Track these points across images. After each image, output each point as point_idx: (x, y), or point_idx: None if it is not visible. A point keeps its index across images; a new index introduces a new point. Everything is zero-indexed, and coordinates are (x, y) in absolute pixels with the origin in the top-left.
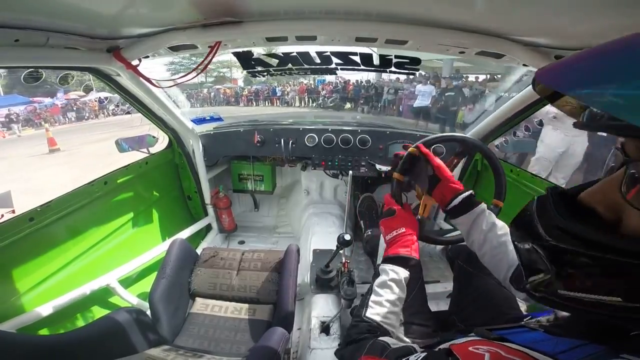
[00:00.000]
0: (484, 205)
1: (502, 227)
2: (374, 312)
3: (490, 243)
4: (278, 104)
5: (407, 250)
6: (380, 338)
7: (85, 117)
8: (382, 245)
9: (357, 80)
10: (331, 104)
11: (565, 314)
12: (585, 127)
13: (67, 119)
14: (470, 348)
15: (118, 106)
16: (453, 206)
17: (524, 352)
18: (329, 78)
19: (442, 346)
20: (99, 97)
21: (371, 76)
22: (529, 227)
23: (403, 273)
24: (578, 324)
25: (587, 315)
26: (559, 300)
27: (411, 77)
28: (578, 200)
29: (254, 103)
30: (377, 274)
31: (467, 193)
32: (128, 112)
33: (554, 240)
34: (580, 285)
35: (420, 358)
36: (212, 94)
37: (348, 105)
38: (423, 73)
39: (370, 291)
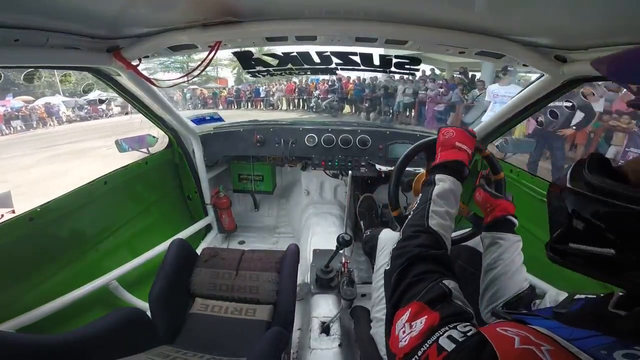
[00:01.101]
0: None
1: (521, 266)
2: (437, 223)
3: (515, 264)
4: (262, 106)
5: (461, 155)
6: (444, 281)
7: (34, 126)
8: (382, 244)
9: (358, 78)
10: (326, 107)
11: (571, 310)
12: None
13: (11, 128)
14: (498, 329)
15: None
16: (501, 220)
17: (550, 337)
18: (325, 76)
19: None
20: (47, 103)
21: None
22: (560, 183)
23: (459, 188)
24: (589, 317)
25: (600, 311)
26: (571, 254)
27: (430, 75)
28: (617, 167)
29: (234, 105)
30: (432, 182)
31: (513, 218)
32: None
33: (573, 184)
34: (593, 238)
35: (471, 332)
36: (188, 95)
37: (348, 108)
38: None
39: (429, 199)
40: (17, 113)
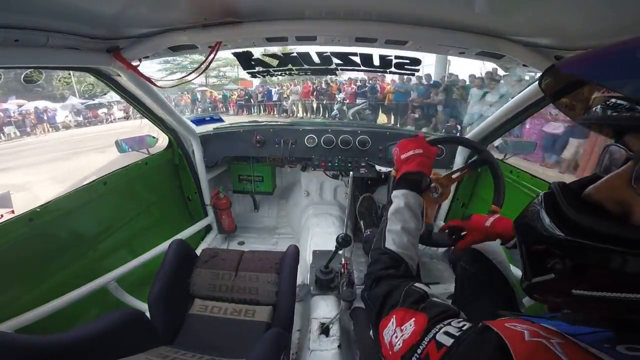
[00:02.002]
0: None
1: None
2: (392, 242)
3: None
4: (275, 112)
5: (421, 167)
6: (416, 285)
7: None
8: None
9: (402, 77)
10: (354, 117)
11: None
12: (591, 121)
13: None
14: (506, 324)
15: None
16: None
17: (557, 332)
18: (353, 74)
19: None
20: (36, 107)
21: (431, 70)
22: (537, 225)
23: (416, 199)
24: (597, 320)
25: (604, 314)
26: (571, 299)
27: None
28: (584, 196)
29: (244, 110)
30: (389, 202)
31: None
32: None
33: (568, 235)
34: (596, 282)
35: (466, 327)
36: (198, 95)
37: (384, 118)
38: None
39: (385, 220)
40: (9, 119)
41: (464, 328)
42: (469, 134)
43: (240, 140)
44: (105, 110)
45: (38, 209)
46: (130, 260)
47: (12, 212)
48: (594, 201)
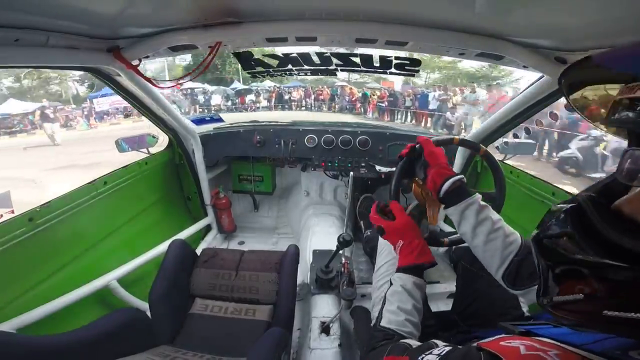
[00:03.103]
0: (476, 197)
1: (496, 222)
2: (389, 321)
3: (479, 238)
4: (430, 124)
5: (417, 258)
6: (403, 340)
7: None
8: (382, 245)
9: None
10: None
11: None
12: (622, 124)
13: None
14: (502, 343)
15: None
16: (445, 192)
17: (556, 344)
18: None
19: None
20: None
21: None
22: (564, 244)
23: (415, 280)
24: (605, 325)
25: (634, 333)
26: (601, 320)
27: None
28: (614, 208)
29: (387, 116)
30: (390, 284)
31: (456, 177)
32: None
33: (604, 257)
34: (630, 303)
35: (445, 352)
36: (338, 91)
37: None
38: None
39: (383, 301)
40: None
41: (442, 353)
42: (469, 135)
43: (241, 140)
44: (253, 97)
45: (38, 209)
46: (131, 260)
47: (12, 212)
48: (626, 215)
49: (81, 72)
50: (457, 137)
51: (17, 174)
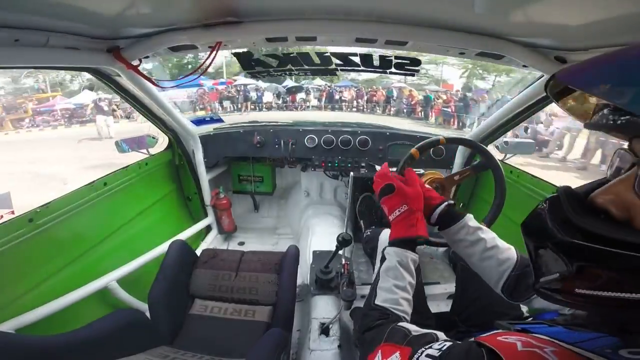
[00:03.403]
0: (465, 219)
1: (489, 242)
2: (383, 299)
3: (474, 257)
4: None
5: (412, 230)
6: (400, 324)
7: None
8: (382, 245)
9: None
10: None
11: (581, 313)
12: (595, 127)
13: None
14: (499, 338)
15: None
16: (435, 220)
17: (551, 341)
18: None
19: (468, 340)
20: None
21: None
22: (542, 227)
23: (411, 255)
24: (595, 320)
25: (607, 314)
26: (575, 298)
27: None
28: (589, 200)
29: (454, 123)
30: (383, 258)
31: (442, 206)
32: None
33: (570, 237)
34: (598, 282)
35: (446, 347)
36: (394, 93)
37: None
38: None
39: (377, 277)
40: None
41: (443, 348)
42: (470, 134)
43: (241, 140)
44: (303, 95)
45: (38, 210)
46: (131, 261)
47: (12, 212)
48: (598, 205)
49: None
50: (442, 137)
51: (53, 170)
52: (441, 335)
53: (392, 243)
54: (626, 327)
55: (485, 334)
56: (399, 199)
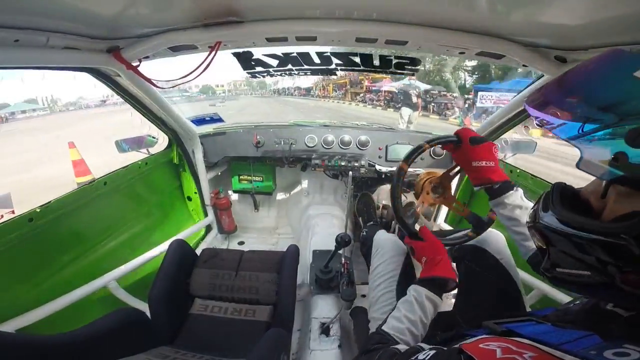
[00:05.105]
0: (519, 191)
1: (522, 219)
2: (390, 327)
3: (509, 229)
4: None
5: (438, 271)
6: (393, 346)
7: None
8: (377, 246)
9: None
10: None
11: (573, 308)
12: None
13: None
14: (480, 345)
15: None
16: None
17: (532, 345)
18: None
19: (453, 346)
20: None
21: None
22: (533, 214)
23: (432, 295)
24: (584, 317)
25: (574, 289)
26: (559, 277)
27: None
28: (580, 194)
29: None
30: (406, 292)
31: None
32: None
33: (545, 222)
34: (567, 262)
35: (430, 356)
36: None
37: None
38: None
39: (393, 307)
40: None
41: (427, 357)
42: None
43: (240, 140)
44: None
45: (38, 209)
46: (131, 260)
47: (13, 212)
48: (582, 197)
49: None
50: (425, 144)
51: None
52: (426, 346)
53: (418, 282)
54: (605, 328)
55: (470, 340)
56: (421, 254)
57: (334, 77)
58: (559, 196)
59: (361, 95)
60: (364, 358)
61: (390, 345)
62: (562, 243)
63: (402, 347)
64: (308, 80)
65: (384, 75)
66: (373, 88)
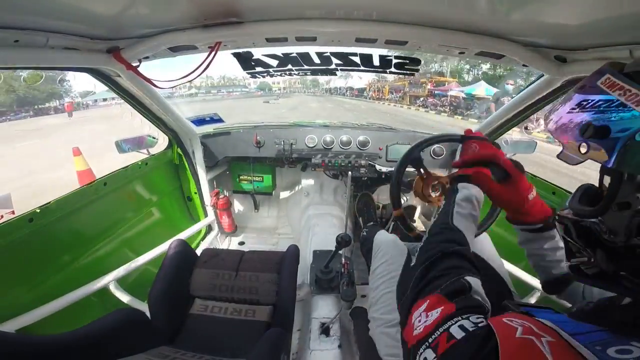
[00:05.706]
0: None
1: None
2: (459, 223)
3: (532, 258)
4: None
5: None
6: (465, 277)
7: None
8: (377, 246)
9: None
10: None
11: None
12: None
13: None
14: (504, 319)
15: None
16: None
17: (552, 329)
18: None
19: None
20: None
21: None
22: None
23: (479, 193)
24: (599, 312)
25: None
26: (573, 269)
27: None
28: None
29: None
30: (455, 190)
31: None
32: None
33: (566, 219)
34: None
35: (483, 324)
36: None
37: None
38: None
39: (452, 203)
40: None
41: (480, 324)
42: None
43: (240, 140)
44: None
45: (38, 210)
46: (131, 261)
47: (12, 212)
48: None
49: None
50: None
51: None
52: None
53: (464, 177)
54: (618, 323)
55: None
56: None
57: (390, 78)
58: (588, 195)
59: (421, 99)
60: (443, 264)
61: (462, 277)
62: (567, 233)
63: (472, 280)
64: (361, 81)
65: (449, 79)
66: (436, 92)
